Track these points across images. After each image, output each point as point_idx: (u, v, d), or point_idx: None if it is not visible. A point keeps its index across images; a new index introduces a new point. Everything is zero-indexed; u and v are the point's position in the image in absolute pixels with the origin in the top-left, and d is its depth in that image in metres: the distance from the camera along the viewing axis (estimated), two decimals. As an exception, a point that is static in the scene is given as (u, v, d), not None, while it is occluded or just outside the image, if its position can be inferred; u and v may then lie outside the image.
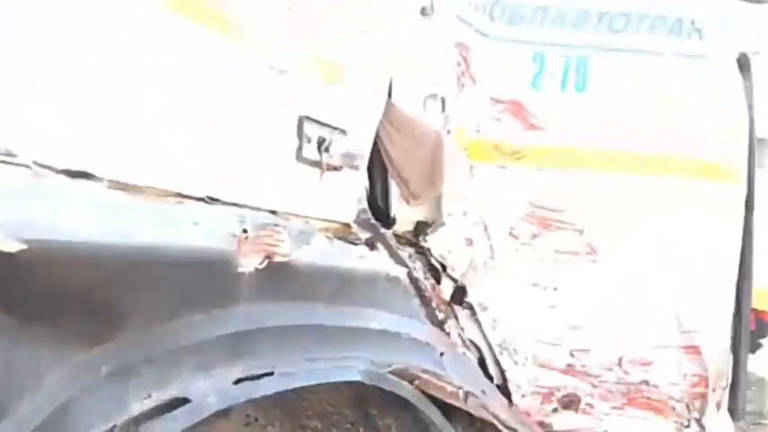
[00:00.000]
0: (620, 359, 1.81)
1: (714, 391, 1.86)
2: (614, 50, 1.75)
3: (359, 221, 1.58)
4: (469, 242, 1.78)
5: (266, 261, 1.24)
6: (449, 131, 1.72)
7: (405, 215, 1.73)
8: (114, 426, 1.00)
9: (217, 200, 1.24)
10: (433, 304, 1.74)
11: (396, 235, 1.71)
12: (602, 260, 1.76)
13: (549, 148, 1.78)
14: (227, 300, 1.18)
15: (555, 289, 1.79)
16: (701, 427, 1.87)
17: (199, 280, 1.16)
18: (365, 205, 1.61)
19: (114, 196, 1.11)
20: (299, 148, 1.38)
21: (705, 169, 1.78)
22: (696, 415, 1.86)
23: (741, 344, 1.87)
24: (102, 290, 1.05)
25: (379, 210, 1.67)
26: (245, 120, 1.27)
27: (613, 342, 1.80)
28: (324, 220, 1.49)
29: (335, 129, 1.46)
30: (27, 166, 1.00)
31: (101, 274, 1.05)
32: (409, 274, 1.64)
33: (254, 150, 1.30)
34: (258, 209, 1.30)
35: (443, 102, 1.70)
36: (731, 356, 1.84)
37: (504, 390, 1.77)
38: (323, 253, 1.38)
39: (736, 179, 1.77)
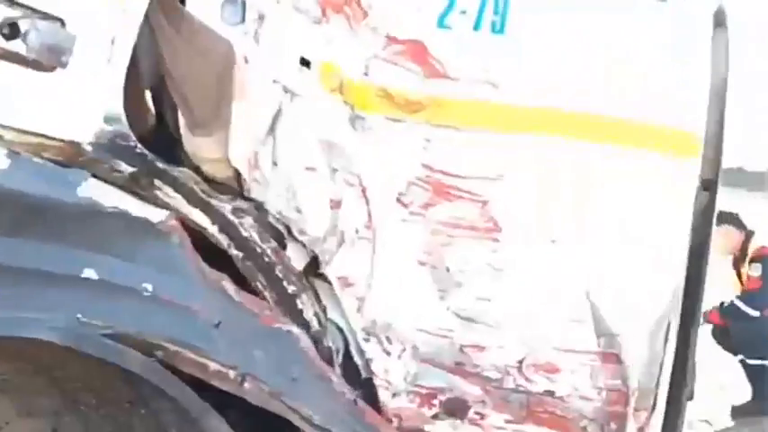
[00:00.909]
0: (520, 362, 1.49)
1: (637, 411, 1.51)
2: None
3: (113, 147, 1.27)
4: (335, 204, 1.48)
5: None
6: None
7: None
8: None
9: None
10: (278, 272, 1.45)
11: (208, 179, 1.41)
12: (506, 239, 1.45)
13: (455, 101, 1.47)
14: None
15: (447, 270, 1.48)
16: None
17: None
18: (126, 129, 1.30)
19: None
20: None
21: (650, 137, 1.45)
22: None
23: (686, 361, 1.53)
24: None
25: (169, 141, 1.36)
26: None
27: (513, 340, 1.48)
28: (31, 133, 1.19)
29: (36, 12, 1.15)
30: None
31: None
32: (226, 228, 1.38)
33: None
34: None
35: (244, 7, 1.40)
36: (660, 371, 1.50)
37: (367, 385, 1.47)
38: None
39: (691, 151, 1.44)
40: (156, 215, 1.32)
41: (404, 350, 1.49)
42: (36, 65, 1.21)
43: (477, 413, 1.50)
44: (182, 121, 1.49)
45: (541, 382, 1.49)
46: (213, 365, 1.23)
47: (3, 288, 1.16)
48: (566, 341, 1.47)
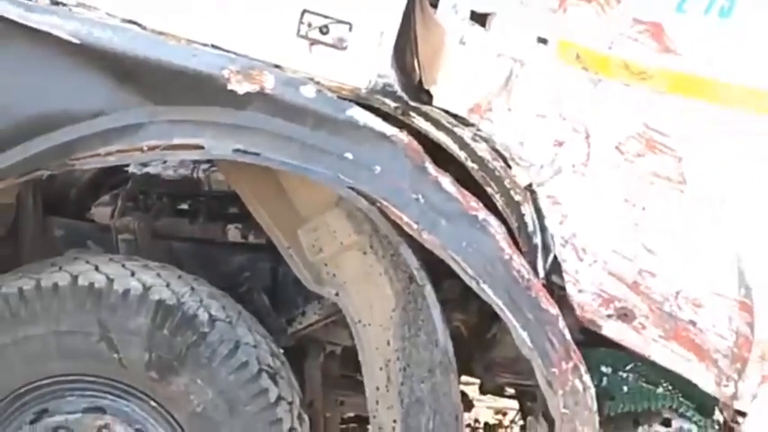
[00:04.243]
0: (677, 293, 1.90)
1: (764, 360, 1.89)
2: None
3: (383, 92, 1.86)
4: (558, 143, 1.91)
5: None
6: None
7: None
8: None
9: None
10: (506, 183, 1.91)
11: (447, 112, 1.90)
12: (689, 192, 1.83)
13: (675, 73, 1.84)
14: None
15: (643, 209, 1.89)
16: (737, 390, 1.92)
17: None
18: (392, 81, 1.85)
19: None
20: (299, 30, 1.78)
21: None
22: (735, 376, 1.92)
23: None
24: None
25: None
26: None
27: (677, 275, 1.88)
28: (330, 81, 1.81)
29: (339, 21, 1.76)
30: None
31: None
32: (460, 141, 1.90)
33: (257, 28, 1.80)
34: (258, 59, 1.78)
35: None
36: None
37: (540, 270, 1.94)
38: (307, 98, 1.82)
39: None
40: (390, 130, 1.85)
41: (595, 261, 1.93)
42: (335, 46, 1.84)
43: (640, 324, 1.93)
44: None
45: (689, 313, 1.89)
46: (408, 220, 1.84)
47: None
48: (713, 285, 1.86)
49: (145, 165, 2.60)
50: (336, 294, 2.19)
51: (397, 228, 1.91)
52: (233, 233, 2.54)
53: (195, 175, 2.65)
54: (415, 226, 1.85)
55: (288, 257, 2.23)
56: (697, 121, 1.83)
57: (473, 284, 1.86)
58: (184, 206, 2.69)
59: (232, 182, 2.28)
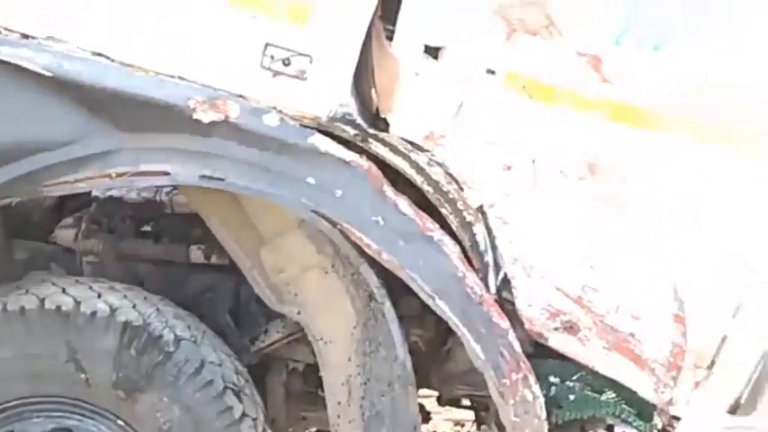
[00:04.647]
0: (618, 306, 2.04)
1: (696, 368, 2.04)
2: (700, 11, 1.89)
3: (342, 120, 1.97)
4: (507, 168, 2.04)
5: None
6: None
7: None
8: None
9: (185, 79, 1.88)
10: (459, 205, 2.03)
11: (404, 139, 2.02)
12: (628, 213, 1.98)
13: (616, 102, 1.98)
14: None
15: (586, 228, 2.03)
16: (673, 396, 2.06)
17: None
18: (351, 110, 1.97)
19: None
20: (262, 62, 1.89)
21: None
22: (671, 384, 2.06)
23: None
24: None
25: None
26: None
27: (617, 289, 2.02)
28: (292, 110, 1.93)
29: (300, 54, 1.89)
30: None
31: None
32: (416, 166, 2.02)
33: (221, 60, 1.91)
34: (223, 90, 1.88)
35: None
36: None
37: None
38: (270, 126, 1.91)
39: None
40: (350, 156, 1.96)
41: (542, 278, 2.05)
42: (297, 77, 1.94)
43: (584, 336, 2.06)
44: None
45: (629, 325, 2.03)
46: (368, 241, 1.95)
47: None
48: (650, 299, 2.00)
49: (108, 188, 2.65)
50: (298, 313, 2.28)
51: (358, 248, 2.01)
52: (196, 254, 2.61)
53: (158, 198, 2.72)
54: (375, 247, 1.95)
55: (250, 278, 2.31)
56: (634, 148, 1.97)
57: (430, 301, 1.97)
58: (148, 228, 2.75)
59: (195, 205, 2.35)
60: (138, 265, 2.62)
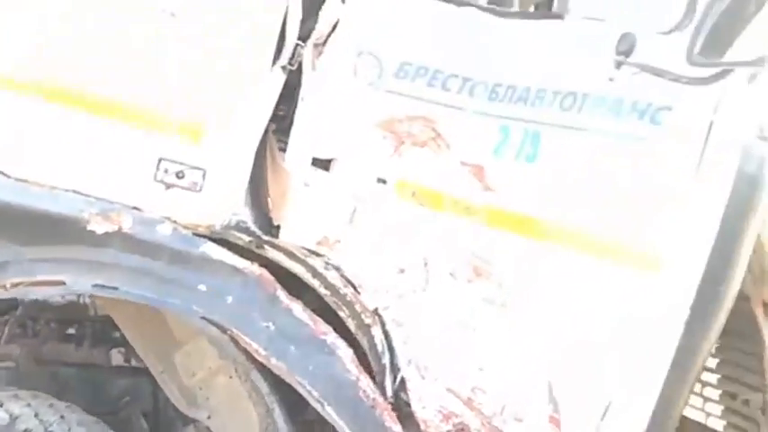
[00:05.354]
0: (503, 408, 2.07)
1: None
2: (564, 127, 1.99)
3: (237, 228, 2.06)
4: (401, 271, 2.11)
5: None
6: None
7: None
8: None
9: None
10: (357, 308, 2.09)
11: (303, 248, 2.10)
12: (509, 314, 2.03)
13: (497, 209, 2.08)
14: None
15: (474, 330, 2.09)
16: None
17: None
18: (245, 218, 2.06)
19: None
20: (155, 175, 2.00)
21: (625, 255, 1.89)
22: None
23: None
24: None
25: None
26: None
27: (502, 391, 2.05)
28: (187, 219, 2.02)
29: (194, 167, 2.00)
30: None
31: None
32: (312, 270, 2.08)
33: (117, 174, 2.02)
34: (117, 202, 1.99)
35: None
36: None
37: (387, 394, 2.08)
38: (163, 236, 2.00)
39: (653, 268, 1.84)
40: (242, 263, 2.03)
41: (435, 379, 2.09)
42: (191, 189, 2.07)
43: (474, 437, 2.09)
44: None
45: (512, 426, 2.03)
46: (257, 347, 1.99)
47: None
48: (529, 400, 1.99)
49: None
50: (208, 417, 2.30)
51: (249, 355, 2.06)
52: (116, 357, 2.65)
53: (81, 300, 2.77)
54: (263, 352, 2.00)
55: (161, 381, 2.34)
56: (513, 253, 2.06)
57: (318, 407, 2.00)
58: (72, 331, 2.79)
59: (108, 308, 2.41)
60: (61, 369, 2.65)
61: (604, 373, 1.88)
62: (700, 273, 1.79)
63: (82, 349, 2.70)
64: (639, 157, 1.87)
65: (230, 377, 2.26)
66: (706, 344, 1.84)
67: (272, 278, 2.06)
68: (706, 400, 2.61)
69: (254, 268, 2.04)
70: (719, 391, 2.57)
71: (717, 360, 2.55)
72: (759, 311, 2.33)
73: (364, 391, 2.04)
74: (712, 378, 2.59)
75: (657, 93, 1.84)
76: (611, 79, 1.90)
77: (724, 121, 1.79)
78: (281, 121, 2.13)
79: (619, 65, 1.87)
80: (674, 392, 1.84)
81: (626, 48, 1.85)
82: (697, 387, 2.73)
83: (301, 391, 2.01)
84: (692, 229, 1.80)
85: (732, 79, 1.75)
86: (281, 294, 2.06)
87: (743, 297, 2.53)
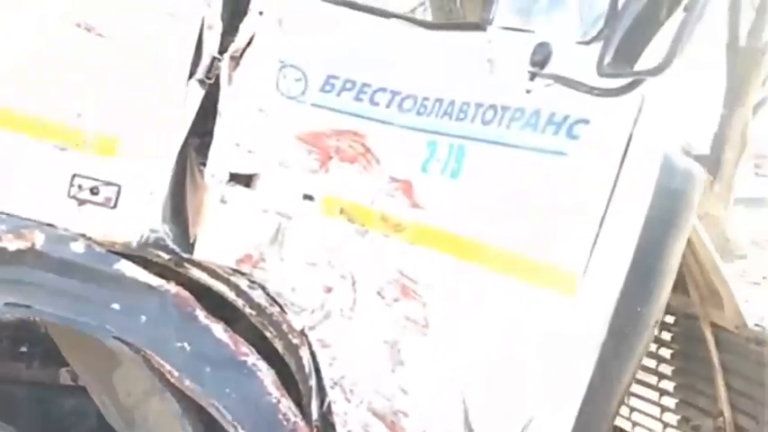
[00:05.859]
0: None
1: None
2: (486, 141, 1.92)
3: (155, 245, 2.00)
4: (328, 290, 2.04)
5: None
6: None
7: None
8: None
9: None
10: (284, 328, 2.02)
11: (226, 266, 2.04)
12: (431, 335, 1.95)
13: (425, 226, 2.00)
14: None
15: (398, 351, 2.01)
16: None
17: None
18: (163, 234, 2.00)
19: None
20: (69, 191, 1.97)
21: (540, 273, 1.81)
22: None
23: None
24: None
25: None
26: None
27: (423, 414, 1.96)
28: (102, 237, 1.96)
29: (108, 183, 1.95)
30: None
31: None
32: (236, 289, 2.02)
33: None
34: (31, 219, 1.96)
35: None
36: None
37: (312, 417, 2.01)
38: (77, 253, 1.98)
39: (569, 288, 1.77)
40: (156, 281, 1.99)
41: (361, 402, 2.02)
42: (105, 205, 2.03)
43: (400, 461, 2.00)
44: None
45: None
46: (170, 368, 1.93)
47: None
48: (447, 424, 1.91)
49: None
50: None
51: (162, 376, 2.01)
52: (64, 376, 2.62)
53: (32, 318, 2.75)
54: (176, 374, 1.95)
55: (99, 402, 2.30)
56: (438, 271, 1.97)
57: (232, 430, 1.94)
58: (24, 349, 2.77)
59: (49, 327, 2.38)
60: (12, 389, 2.62)
61: (524, 395, 1.79)
62: (616, 292, 1.69)
63: (33, 368, 2.68)
64: (557, 173, 1.79)
65: (163, 398, 2.21)
66: (629, 364, 1.74)
67: (189, 297, 2.01)
68: (666, 425, 2.50)
69: (169, 286, 1.99)
70: (678, 417, 2.45)
71: (673, 384, 2.44)
72: (708, 333, 2.22)
73: (284, 415, 1.97)
74: (671, 402, 2.48)
75: (573, 105, 1.75)
76: (528, 91, 1.82)
77: (644, 133, 1.70)
78: (206, 136, 2.09)
79: (533, 76, 1.79)
80: (595, 415, 1.74)
81: (540, 58, 1.77)
82: (656, 411, 2.63)
83: (214, 413, 1.95)
84: (609, 247, 1.71)
85: (649, 90, 1.66)
86: (200, 314, 2.01)
87: (692, 317, 2.44)
